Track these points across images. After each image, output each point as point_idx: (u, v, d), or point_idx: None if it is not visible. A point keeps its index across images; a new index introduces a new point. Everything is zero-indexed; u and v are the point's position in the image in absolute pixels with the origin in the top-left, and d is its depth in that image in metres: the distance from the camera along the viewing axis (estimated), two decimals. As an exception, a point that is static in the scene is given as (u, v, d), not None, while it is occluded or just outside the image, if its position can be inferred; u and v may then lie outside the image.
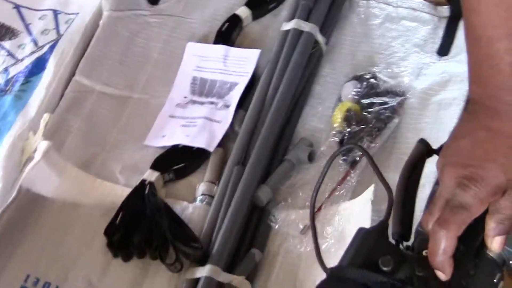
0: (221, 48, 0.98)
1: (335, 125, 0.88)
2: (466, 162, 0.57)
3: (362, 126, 0.86)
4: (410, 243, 0.60)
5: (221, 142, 0.89)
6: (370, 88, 0.89)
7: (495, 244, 0.57)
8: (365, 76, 0.91)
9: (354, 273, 0.55)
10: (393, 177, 0.69)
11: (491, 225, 0.56)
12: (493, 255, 0.58)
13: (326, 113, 0.91)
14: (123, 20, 1.02)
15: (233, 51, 0.97)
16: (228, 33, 1.00)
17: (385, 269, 0.55)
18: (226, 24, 1.00)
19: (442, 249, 0.54)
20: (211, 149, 0.88)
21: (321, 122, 0.90)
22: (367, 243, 0.57)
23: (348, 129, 0.86)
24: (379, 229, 0.58)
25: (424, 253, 0.57)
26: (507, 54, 0.57)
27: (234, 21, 1.00)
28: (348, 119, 0.87)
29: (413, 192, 0.64)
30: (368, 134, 0.86)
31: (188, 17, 1.02)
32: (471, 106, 0.61)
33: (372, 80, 0.90)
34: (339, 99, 0.91)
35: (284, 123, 0.89)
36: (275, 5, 1.02)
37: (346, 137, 0.86)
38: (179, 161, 0.88)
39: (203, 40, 1.00)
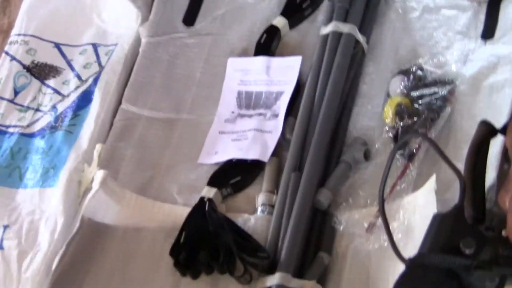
0: (262, 59, 0.98)
1: (387, 121, 0.87)
2: (536, 136, 0.56)
3: (414, 119, 0.85)
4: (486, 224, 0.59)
5: (274, 151, 0.89)
6: (418, 80, 0.88)
7: None
8: (411, 69, 0.90)
9: (436, 258, 0.54)
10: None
11: None
12: None
13: (376, 111, 0.90)
14: (161, 45, 1.03)
15: (275, 61, 0.97)
16: (267, 44, 0.99)
17: (467, 251, 0.54)
18: (264, 36, 1.00)
19: (523, 224, 0.53)
20: (265, 159, 0.88)
21: (372, 120, 0.89)
22: (446, 228, 0.56)
23: (401, 123, 0.85)
24: (455, 212, 0.56)
25: (504, 233, 0.56)
26: None
27: (272, 32, 1.00)
28: (399, 113, 0.86)
29: (482, 174, 0.62)
30: (422, 126, 0.84)
31: (225, 34, 1.03)
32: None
33: (419, 72, 0.89)
34: (388, 95, 0.90)
35: (335, 125, 0.89)
36: (310, 11, 1.02)
37: (400, 131, 0.85)
38: (235, 175, 0.88)
39: (243, 54, 1.00)
